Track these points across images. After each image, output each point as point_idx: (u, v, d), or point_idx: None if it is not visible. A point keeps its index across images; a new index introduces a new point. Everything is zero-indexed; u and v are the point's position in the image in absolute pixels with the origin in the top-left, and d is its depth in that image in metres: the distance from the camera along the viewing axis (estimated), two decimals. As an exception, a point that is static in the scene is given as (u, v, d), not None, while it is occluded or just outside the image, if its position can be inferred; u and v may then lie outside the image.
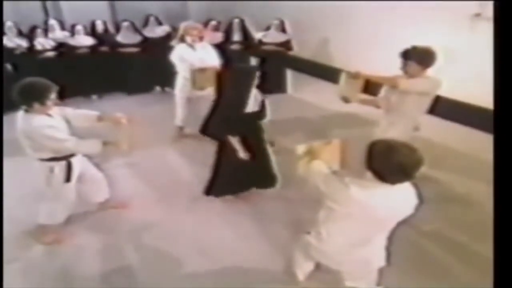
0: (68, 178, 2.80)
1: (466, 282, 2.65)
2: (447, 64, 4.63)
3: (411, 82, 3.03)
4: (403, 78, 3.10)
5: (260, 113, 3.12)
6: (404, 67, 3.12)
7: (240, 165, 3.09)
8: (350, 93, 3.32)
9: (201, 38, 4.17)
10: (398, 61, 3.14)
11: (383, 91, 3.36)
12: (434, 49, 3.04)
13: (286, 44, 6.16)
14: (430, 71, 3.09)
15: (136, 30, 6.39)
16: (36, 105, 2.50)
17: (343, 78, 3.26)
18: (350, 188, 1.75)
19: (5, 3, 5.97)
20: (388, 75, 3.23)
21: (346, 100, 3.34)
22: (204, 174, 3.35)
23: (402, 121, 3.19)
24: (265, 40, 6.17)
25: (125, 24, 6.29)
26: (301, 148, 2.17)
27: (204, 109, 4.43)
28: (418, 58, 3.02)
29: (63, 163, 2.75)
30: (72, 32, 6.17)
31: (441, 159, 3.97)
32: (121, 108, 3.98)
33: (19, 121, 2.55)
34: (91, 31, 6.42)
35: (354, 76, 3.19)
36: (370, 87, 3.37)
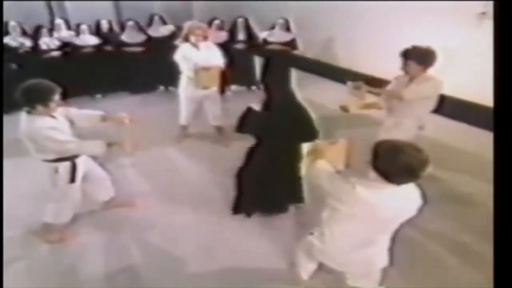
0: (72, 179, 2.80)
1: (469, 282, 2.63)
2: (453, 64, 4.63)
3: (414, 90, 3.00)
4: (406, 86, 3.07)
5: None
6: (404, 67, 3.09)
7: (267, 179, 2.97)
8: (353, 101, 3.37)
9: (205, 38, 4.17)
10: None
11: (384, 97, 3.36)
12: (434, 49, 3.00)
13: (291, 43, 6.13)
14: (431, 71, 3.06)
15: (141, 29, 6.39)
16: (39, 107, 2.46)
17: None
18: (356, 188, 1.73)
19: (9, 3, 6.00)
20: (390, 88, 3.24)
21: (345, 109, 3.36)
22: (208, 172, 3.33)
23: (406, 122, 3.18)
24: (270, 39, 6.16)
25: (130, 23, 6.30)
26: (306, 148, 2.16)
27: (208, 108, 4.49)
28: (417, 58, 2.99)
29: (67, 164, 2.74)
30: (77, 31, 6.19)
31: (445, 158, 3.94)
32: (125, 107, 4.01)
33: (22, 123, 2.52)
34: (96, 30, 6.43)
35: (356, 87, 3.20)
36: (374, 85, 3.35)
